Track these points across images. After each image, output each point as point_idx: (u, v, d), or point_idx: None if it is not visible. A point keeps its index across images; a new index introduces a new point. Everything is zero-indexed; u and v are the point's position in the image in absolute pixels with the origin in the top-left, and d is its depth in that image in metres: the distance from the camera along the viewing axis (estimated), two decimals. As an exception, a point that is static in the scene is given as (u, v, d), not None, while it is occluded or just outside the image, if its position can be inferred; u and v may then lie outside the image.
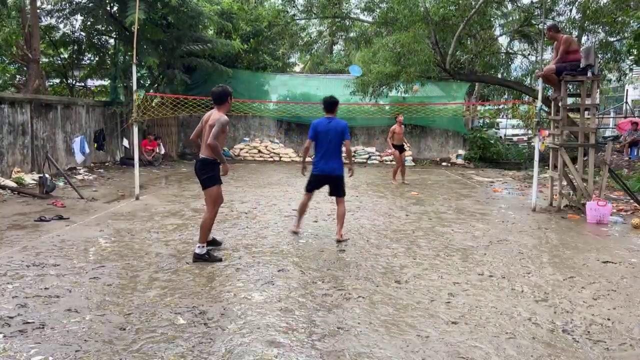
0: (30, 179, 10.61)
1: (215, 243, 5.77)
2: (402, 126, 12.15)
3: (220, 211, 7.98)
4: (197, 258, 5.17)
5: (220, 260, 5.20)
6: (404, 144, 12.32)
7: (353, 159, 5.63)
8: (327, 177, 6.17)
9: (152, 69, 15.24)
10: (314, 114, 16.68)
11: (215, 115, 5.19)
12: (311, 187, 6.38)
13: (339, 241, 6.11)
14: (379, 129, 18.00)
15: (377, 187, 11.26)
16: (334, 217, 7.73)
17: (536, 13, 14.82)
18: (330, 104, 6.26)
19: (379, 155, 17.53)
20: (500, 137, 21.45)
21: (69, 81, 17.00)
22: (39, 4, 13.57)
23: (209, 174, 5.22)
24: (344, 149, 6.19)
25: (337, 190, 6.21)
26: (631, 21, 13.48)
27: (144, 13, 11.88)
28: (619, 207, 8.69)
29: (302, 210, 6.46)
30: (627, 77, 19.18)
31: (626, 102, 23.05)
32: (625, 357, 3.31)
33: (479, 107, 19.09)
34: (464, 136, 17.94)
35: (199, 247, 5.22)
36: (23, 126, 11.28)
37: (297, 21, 18.82)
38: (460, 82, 17.28)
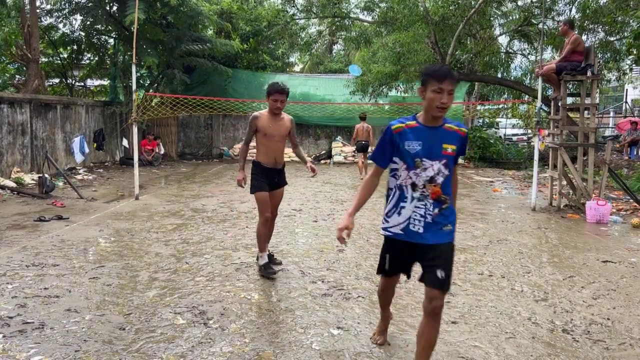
0: (29, 178, 10.61)
1: (272, 260, 5.06)
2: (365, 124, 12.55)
3: (219, 211, 8.03)
4: (259, 268, 4.83)
5: (271, 275, 4.67)
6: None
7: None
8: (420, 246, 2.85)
9: (152, 68, 15.24)
10: (313, 114, 16.75)
11: None
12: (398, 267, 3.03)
13: None
14: (379, 128, 17.94)
15: (377, 187, 11.25)
16: (334, 217, 7.75)
17: (536, 12, 14.83)
18: None
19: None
20: (500, 136, 21.46)
21: (68, 81, 17.01)
22: (38, 3, 13.57)
23: (251, 179, 4.79)
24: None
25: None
26: (631, 21, 13.48)
27: (144, 13, 11.88)
28: (618, 207, 8.68)
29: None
30: (627, 77, 19.19)
31: (626, 102, 23.06)
32: (625, 357, 3.31)
33: (478, 107, 19.09)
34: (464, 136, 17.91)
35: (258, 256, 4.89)
36: (22, 126, 11.27)
37: (297, 21, 18.80)
38: (460, 82, 17.27)
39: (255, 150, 4.87)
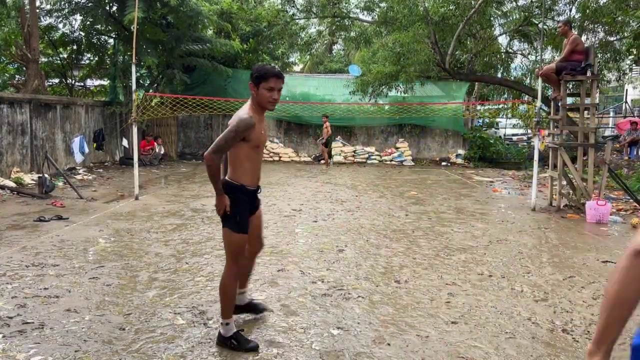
0: (29, 179, 10.61)
1: (251, 308, 3.74)
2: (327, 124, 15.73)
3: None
4: (220, 341, 3.28)
5: (254, 349, 3.23)
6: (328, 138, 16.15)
7: None
8: None
9: (152, 68, 15.24)
10: (313, 114, 16.75)
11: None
12: None
13: None
14: (379, 128, 18.01)
15: (377, 187, 11.26)
16: (334, 217, 7.74)
17: (536, 12, 14.84)
18: None
19: (378, 155, 17.54)
20: (500, 136, 21.48)
21: (68, 81, 17.01)
22: (38, 3, 13.56)
23: (232, 211, 3.25)
24: None
25: None
26: (631, 21, 13.49)
27: (143, 12, 11.87)
28: (618, 207, 8.68)
29: None
30: (627, 77, 19.20)
31: (626, 102, 23.05)
32: (625, 357, 3.30)
33: (478, 107, 19.10)
34: (464, 136, 17.94)
35: (221, 324, 3.31)
36: (22, 126, 11.27)
37: (297, 21, 18.82)
38: (460, 82, 17.28)
39: (236, 169, 3.37)
